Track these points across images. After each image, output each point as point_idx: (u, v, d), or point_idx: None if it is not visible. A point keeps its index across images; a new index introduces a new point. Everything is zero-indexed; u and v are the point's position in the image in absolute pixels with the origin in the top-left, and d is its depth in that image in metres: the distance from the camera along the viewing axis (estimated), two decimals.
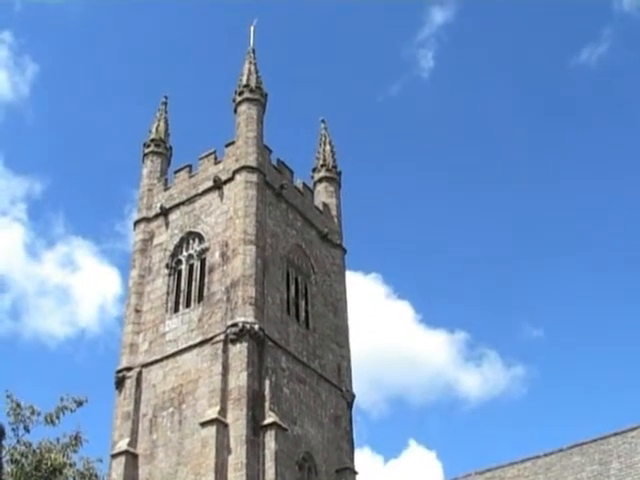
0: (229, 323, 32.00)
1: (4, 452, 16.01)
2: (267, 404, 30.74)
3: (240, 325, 31.63)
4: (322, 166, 42.60)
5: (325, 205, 40.98)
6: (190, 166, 38.72)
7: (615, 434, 24.44)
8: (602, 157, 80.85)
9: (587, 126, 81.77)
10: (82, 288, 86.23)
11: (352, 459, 34.76)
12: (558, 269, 79.99)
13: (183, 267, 36.08)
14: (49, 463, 16.89)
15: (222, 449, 29.41)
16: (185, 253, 36.37)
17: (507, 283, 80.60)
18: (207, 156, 38.15)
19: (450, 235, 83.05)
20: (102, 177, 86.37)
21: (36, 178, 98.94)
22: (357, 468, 34.84)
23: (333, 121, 61.04)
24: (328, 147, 43.51)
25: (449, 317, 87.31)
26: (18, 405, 17.28)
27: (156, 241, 37.50)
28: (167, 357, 33.66)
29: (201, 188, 37.23)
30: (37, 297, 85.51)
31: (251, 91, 38.22)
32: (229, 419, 30.16)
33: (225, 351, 31.57)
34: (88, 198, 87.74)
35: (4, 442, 15.70)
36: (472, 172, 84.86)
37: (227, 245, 34.50)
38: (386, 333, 78.47)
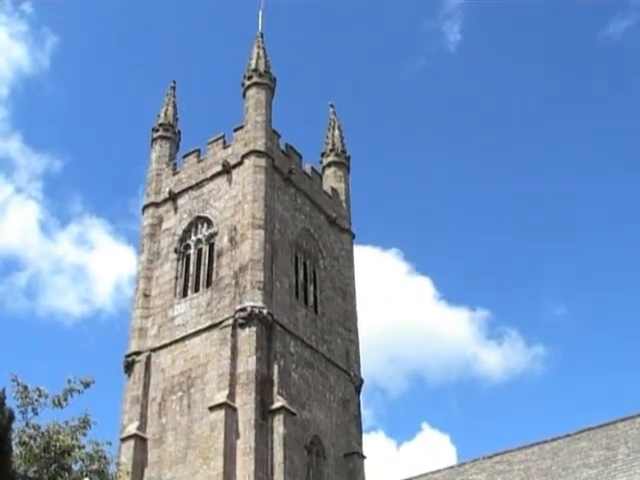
0: (238, 307, 32.07)
1: (13, 435, 16.05)
2: (275, 388, 30.84)
3: (249, 309, 31.70)
4: (331, 151, 42.51)
5: (334, 190, 40.92)
6: (199, 151, 38.71)
7: (623, 419, 24.44)
8: (628, 128, 79.58)
9: (615, 99, 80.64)
10: (98, 267, 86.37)
11: (360, 443, 34.86)
12: (582, 247, 79.31)
13: (192, 252, 36.14)
14: (58, 445, 16.92)
15: (231, 433, 29.54)
16: (194, 238, 36.41)
17: (530, 261, 79.95)
18: (216, 140, 38.13)
19: (472, 213, 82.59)
20: (120, 156, 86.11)
21: (55, 155, 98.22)
22: (365, 452, 34.98)
23: (344, 104, 60.71)
24: (337, 131, 43.41)
25: (471, 294, 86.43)
26: (25, 388, 17.33)
27: (165, 226, 37.55)
28: (176, 341, 33.77)
29: (210, 173, 37.23)
30: (52, 275, 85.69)
31: (260, 75, 38.15)
32: (238, 403, 30.27)
33: (234, 335, 31.65)
34: (105, 177, 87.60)
35: (13, 425, 15.74)
36: (495, 147, 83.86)
37: (236, 230, 34.52)
38: (407, 309, 78.71)
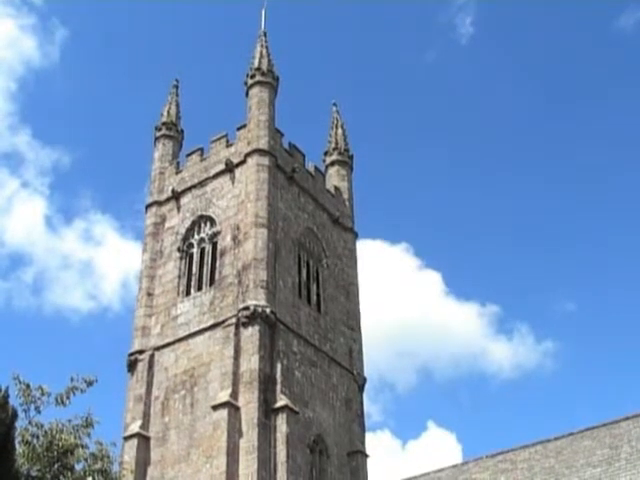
0: (241, 306, 32.06)
1: (16, 433, 16.06)
2: (278, 387, 30.83)
3: (252, 308, 31.69)
4: (334, 149, 42.50)
5: (337, 189, 40.91)
6: (202, 149, 38.70)
7: (626, 418, 24.42)
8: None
9: (625, 92, 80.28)
10: (104, 263, 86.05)
11: (363, 442, 34.86)
12: (593, 243, 78.89)
13: (195, 250, 36.13)
14: (60, 444, 16.92)
15: (234, 432, 29.53)
16: (197, 236, 36.40)
17: (540, 256, 79.55)
18: (219, 139, 38.13)
19: (482, 208, 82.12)
20: (128, 152, 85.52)
21: (64, 150, 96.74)
22: (371, 451, 35.07)
23: (348, 102, 60.48)
24: (340, 130, 43.39)
25: (480, 290, 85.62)
26: (27, 386, 17.32)
27: (168, 224, 37.55)
28: (179, 340, 33.78)
29: (213, 171, 37.23)
30: (59, 271, 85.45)
31: (263, 74, 38.15)
32: (241, 402, 30.25)
33: (237, 334, 31.65)
34: (112, 173, 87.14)
35: (16, 423, 15.74)
36: (505, 142, 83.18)
37: (239, 228, 34.51)
38: (416, 304, 78.72)
